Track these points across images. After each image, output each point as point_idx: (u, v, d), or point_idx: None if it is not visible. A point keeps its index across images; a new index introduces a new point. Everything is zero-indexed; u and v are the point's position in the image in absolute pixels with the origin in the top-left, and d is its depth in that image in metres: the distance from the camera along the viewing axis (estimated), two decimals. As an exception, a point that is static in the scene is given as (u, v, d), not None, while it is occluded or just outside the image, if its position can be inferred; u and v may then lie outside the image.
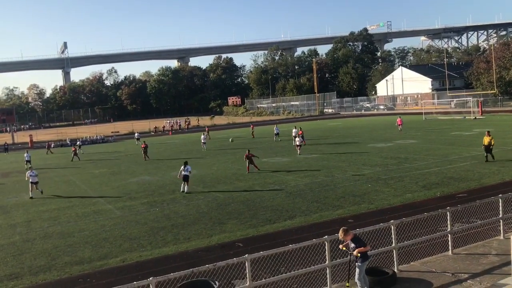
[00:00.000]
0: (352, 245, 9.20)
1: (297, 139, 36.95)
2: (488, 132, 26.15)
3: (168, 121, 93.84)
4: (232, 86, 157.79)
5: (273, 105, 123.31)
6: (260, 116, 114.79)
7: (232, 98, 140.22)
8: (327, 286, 9.93)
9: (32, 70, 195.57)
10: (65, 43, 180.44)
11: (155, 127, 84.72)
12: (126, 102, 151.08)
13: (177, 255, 13.80)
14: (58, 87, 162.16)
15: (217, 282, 7.74)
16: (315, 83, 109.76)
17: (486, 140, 25.48)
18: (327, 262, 9.80)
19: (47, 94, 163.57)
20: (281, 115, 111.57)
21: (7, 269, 13.64)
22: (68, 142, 66.89)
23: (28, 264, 13.91)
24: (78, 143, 55.04)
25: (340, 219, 16.35)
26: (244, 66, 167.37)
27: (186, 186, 23.12)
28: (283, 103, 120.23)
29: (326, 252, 9.79)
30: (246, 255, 8.75)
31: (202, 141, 44.65)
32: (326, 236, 9.78)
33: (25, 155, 39.18)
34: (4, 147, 60.86)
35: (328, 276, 9.86)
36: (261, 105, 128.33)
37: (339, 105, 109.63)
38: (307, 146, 40.46)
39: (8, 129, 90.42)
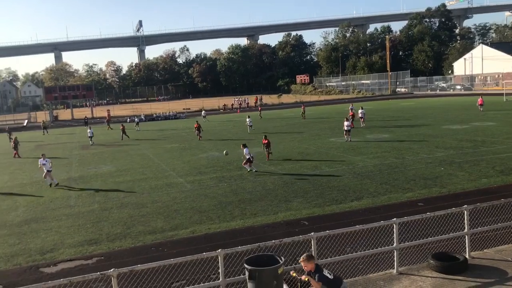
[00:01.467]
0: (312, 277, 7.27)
1: (345, 123, 32.10)
2: None
3: (237, 99, 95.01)
4: (301, 64, 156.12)
5: (343, 83, 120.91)
6: (329, 95, 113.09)
7: (301, 76, 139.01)
8: (393, 268, 9.79)
9: (109, 48, 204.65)
10: (140, 22, 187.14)
11: (224, 105, 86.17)
12: (197, 80, 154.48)
13: (243, 230, 14.15)
14: (133, 64, 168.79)
15: (282, 258, 7.86)
16: (388, 61, 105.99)
17: None
18: (395, 244, 9.64)
19: (123, 71, 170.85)
20: (350, 94, 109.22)
21: (87, 235, 14.66)
22: (143, 117, 69.76)
23: (106, 231, 14.86)
24: (136, 120, 56.91)
25: (409, 202, 15.94)
26: (313, 43, 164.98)
27: (250, 166, 22.98)
28: (353, 82, 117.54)
29: (395, 234, 9.62)
30: (312, 233, 8.81)
31: (248, 124, 42.64)
32: (394, 219, 9.59)
33: (88, 131, 41.24)
34: (85, 121, 64.76)
35: (395, 258, 9.71)
36: (330, 84, 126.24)
37: (412, 85, 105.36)
38: (376, 127, 39.46)
39: (88, 103, 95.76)
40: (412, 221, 10.32)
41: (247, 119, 42.95)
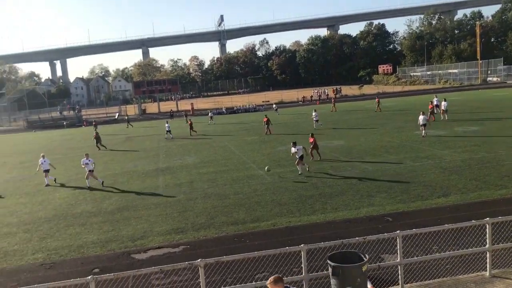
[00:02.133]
0: None
1: (420, 117, 29.74)
2: None
3: (316, 91, 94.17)
4: (383, 53, 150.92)
5: (428, 73, 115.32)
6: (414, 85, 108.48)
7: (383, 66, 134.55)
8: (486, 271, 9.25)
9: (192, 43, 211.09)
10: (221, 16, 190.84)
11: (303, 97, 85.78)
12: (276, 72, 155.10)
13: (324, 224, 14.07)
14: (215, 59, 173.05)
15: (367, 255, 7.73)
16: (478, 49, 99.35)
17: None
18: (487, 245, 9.10)
19: (206, 65, 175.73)
20: (436, 84, 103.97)
21: (174, 223, 15.36)
22: (224, 110, 71.43)
23: (191, 221, 15.48)
24: (210, 114, 57.49)
25: (502, 200, 14.94)
26: (397, 32, 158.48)
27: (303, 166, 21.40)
28: (439, 71, 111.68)
29: (487, 234, 9.08)
30: (398, 231, 8.56)
31: (314, 118, 40.33)
32: (487, 218, 9.05)
33: (166, 125, 42.56)
34: (170, 114, 67.71)
35: (488, 260, 9.17)
36: (414, 73, 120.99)
37: (506, 73, 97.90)
38: (464, 119, 37.28)
39: (173, 97, 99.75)
40: (507, 221, 9.66)
41: (313, 113, 40.95)
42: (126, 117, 63.92)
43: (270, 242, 12.38)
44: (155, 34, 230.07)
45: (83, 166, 22.95)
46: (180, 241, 13.61)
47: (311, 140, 24.66)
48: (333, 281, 7.62)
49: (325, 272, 8.18)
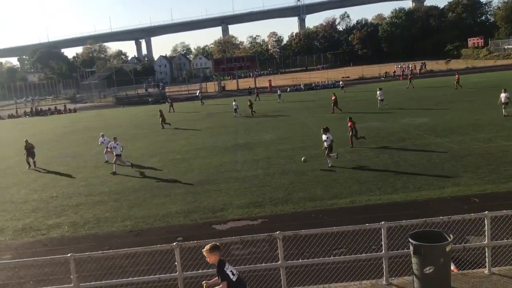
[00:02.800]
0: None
1: (503, 94, 27.70)
2: None
3: (399, 66, 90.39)
4: (474, 25, 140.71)
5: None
6: (508, 59, 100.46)
7: (473, 39, 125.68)
8: None
9: (271, 19, 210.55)
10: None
11: (386, 72, 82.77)
12: (357, 47, 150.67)
13: (406, 203, 13.68)
14: (293, 34, 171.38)
15: (451, 235, 7.43)
16: None
17: None
18: None
19: (284, 41, 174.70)
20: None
21: (253, 197, 15.70)
22: (302, 87, 70.93)
23: (269, 196, 15.72)
24: (278, 92, 56.14)
25: None
26: (490, 2, 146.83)
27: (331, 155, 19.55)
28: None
29: None
30: (486, 212, 8.11)
31: (379, 98, 37.22)
32: None
33: (233, 103, 42.47)
34: (248, 91, 68.43)
35: None
36: (509, 46, 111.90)
37: None
38: None
39: (251, 74, 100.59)
40: None
41: (378, 92, 37.69)
42: (200, 95, 65.39)
43: (348, 220, 12.27)
44: (234, 11, 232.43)
45: (109, 149, 22.47)
46: (258, 215, 13.92)
47: (350, 124, 22.92)
48: (414, 260, 7.42)
49: (406, 250, 7.98)
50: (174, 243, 7.95)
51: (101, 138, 26.03)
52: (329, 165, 19.02)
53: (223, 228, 13.06)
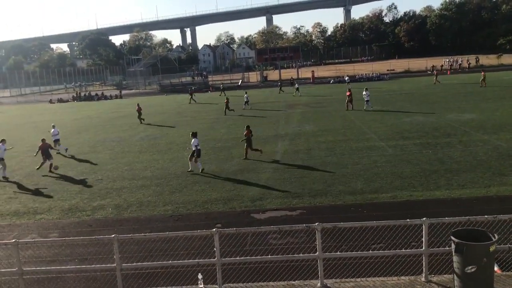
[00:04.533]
0: None
1: None
2: None
3: (447, 59, 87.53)
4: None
5: None
6: None
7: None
8: None
9: (316, 10, 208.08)
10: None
11: (433, 66, 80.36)
12: (403, 39, 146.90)
13: (449, 201, 13.35)
14: (338, 25, 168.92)
15: (496, 235, 7.21)
16: None
17: None
18: None
19: (329, 32, 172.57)
20: None
21: (292, 188, 15.71)
22: (346, 78, 69.98)
23: (308, 187, 15.69)
24: (296, 85, 54.73)
25: None
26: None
27: None
28: None
29: None
30: (535, 213, 7.82)
31: (365, 98, 34.43)
32: None
33: (245, 95, 42.39)
34: (291, 82, 68.06)
35: None
36: None
37: None
38: None
39: (294, 65, 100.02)
40: None
41: (364, 93, 35.00)
42: (221, 86, 64.99)
43: (388, 215, 12.09)
44: (279, 1, 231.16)
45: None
46: (297, 206, 13.93)
47: (246, 133, 21.06)
48: (455, 258, 7.25)
49: (448, 248, 7.82)
50: (214, 229, 8.10)
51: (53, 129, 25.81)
52: (189, 169, 18.85)
53: (262, 217, 13.16)
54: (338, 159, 19.41)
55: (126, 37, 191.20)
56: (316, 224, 7.92)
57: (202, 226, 12.50)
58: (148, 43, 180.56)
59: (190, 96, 52.39)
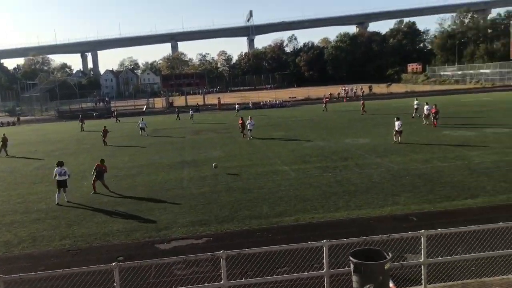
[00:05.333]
0: None
1: (396, 123, 27.65)
2: None
3: (344, 88, 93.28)
4: (413, 52, 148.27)
5: (459, 73, 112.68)
6: (443, 85, 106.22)
7: (412, 65, 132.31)
8: (512, 274, 9.04)
9: (221, 38, 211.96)
10: (250, 12, 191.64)
11: (330, 94, 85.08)
12: (303, 69, 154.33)
13: (348, 221, 13.98)
14: (243, 54, 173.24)
15: (390, 254, 7.66)
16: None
17: None
18: (515, 248, 8.89)
19: (234, 60, 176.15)
20: (467, 84, 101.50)
21: (198, 215, 15.51)
22: (250, 105, 71.55)
23: (215, 213, 15.59)
24: (191, 112, 55.40)
25: (533, 204, 14.57)
26: (427, 30, 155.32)
27: None
28: (470, 71, 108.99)
29: (515, 238, 8.87)
30: (422, 231, 8.43)
31: (249, 127, 34.28)
32: (516, 221, 8.83)
33: (140, 122, 42.13)
34: (196, 108, 68.12)
35: (515, 264, 8.96)
36: (444, 73, 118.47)
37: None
38: (496, 119, 36.35)
39: (200, 91, 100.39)
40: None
41: (248, 121, 34.61)
42: (115, 112, 64.48)
43: (292, 237, 12.38)
44: (184, 28, 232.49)
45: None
46: (203, 233, 13.75)
47: (97, 166, 19.91)
48: (354, 278, 7.57)
49: (347, 268, 8.13)
50: (113, 263, 7.68)
51: None
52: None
53: (166, 247, 12.78)
54: (244, 184, 19.59)
55: (21, 60, 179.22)
56: (220, 252, 7.84)
57: (102, 260, 11.81)
58: (46, 68, 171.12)
59: (80, 124, 50.34)
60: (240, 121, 36.53)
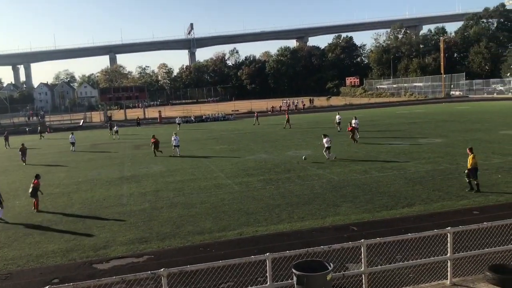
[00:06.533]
0: None
1: (324, 139, 27.10)
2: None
3: (285, 101, 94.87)
4: (351, 66, 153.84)
5: (394, 86, 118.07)
6: (380, 97, 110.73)
7: (350, 79, 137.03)
8: (447, 279, 9.41)
9: (161, 50, 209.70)
10: (191, 25, 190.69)
11: (272, 107, 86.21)
12: (246, 82, 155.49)
13: (291, 233, 14.07)
14: (184, 67, 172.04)
15: (331, 264, 7.74)
16: (442, 63, 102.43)
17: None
18: (448, 254, 9.26)
19: (175, 73, 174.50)
20: (402, 97, 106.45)
21: (138, 233, 15.04)
22: (193, 118, 71.01)
23: (156, 230, 15.19)
24: (115, 128, 51.35)
25: (464, 210, 15.36)
26: (364, 45, 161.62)
27: None
28: (405, 84, 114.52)
29: (449, 244, 9.25)
30: (362, 240, 8.61)
31: (174, 143, 32.97)
32: (449, 228, 9.23)
33: (70, 136, 40.84)
34: (137, 122, 66.72)
35: (449, 269, 9.33)
36: (381, 86, 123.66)
37: (467, 88, 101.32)
38: (429, 130, 38.26)
39: (140, 105, 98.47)
40: (468, 230, 9.88)
41: (173, 137, 33.56)
42: (34, 128, 60.57)
43: (236, 252, 12.27)
44: (123, 40, 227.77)
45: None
46: (144, 251, 13.33)
47: (35, 182, 19.15)
48: (298, 290, 7.58)
49: (290, 281, 8.13)
50: (47, 287, 7.23)
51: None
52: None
53: (105, 267, 12.26)
54: (186, 199, 19.28)
55: None
56: (161, 270, 7.60)
57: (36, 283, 11.16)
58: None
59: (5, 141, 46.68)
60: (153, 140, 34.02)
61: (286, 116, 51.89)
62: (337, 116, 43.80)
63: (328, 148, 27.07)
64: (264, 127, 53.06)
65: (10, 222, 17.29)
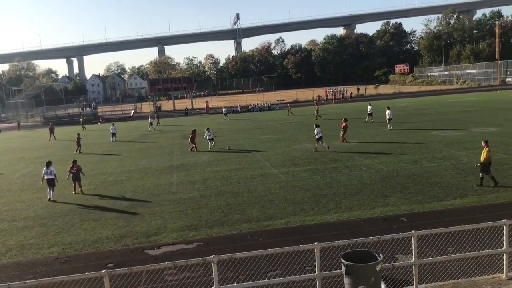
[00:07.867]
0: None
1: (316, 130, 27.04)
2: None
3: (331, 90, 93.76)
4: (400, 53, 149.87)
5: (446, 73, 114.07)
6: (431, 85, 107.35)
7: (400, 66, 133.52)
8: (502, 273, 9.10)
9: (208, 41, 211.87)
10: (237, 15, 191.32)
11: (318, 96, 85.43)
12: (291, 71, 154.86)
13: (338, 223, 14.00)
14: (230, 57, 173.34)
15: (381, 255, 7.66)
16: (497, 49, 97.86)
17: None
18: (504, 247, 8.95)
19: (221, 64, 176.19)
20: (454, 85, 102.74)
21: (188, 220, 15.42)
22: (239, 108, 71.55)
23: (205, 218, 15.51)
24: (150, 120, 52.49)
25: (521, 202, 14.72)
26: (414, 31, 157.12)
27: None
28: (457, 71, 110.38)
29: (504, 236, 8.93)
30: (413, 231, 8.47)
31: (208, 138, 32.11)
32: (505, 220, 8.90)
33: (111, 127, 41.56)
34: (185, 112, 68.01)
35: (504, 262, 9.02)
36: (431, 73, 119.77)
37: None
38: (483, 118, 36.75)
39: (188, 95, 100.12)
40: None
41: (206, 132, 32.44)
42: (81, 120, 61.79)
43: (283, 241, 12.35)
44: (171, 32, 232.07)
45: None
46: (194, 238, 13.66)
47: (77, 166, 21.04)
48: (346, 280, 7.57)
49: (339, 271, 8.13)
50: (103, 270, 7.59)
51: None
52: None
53: (157, 253, 12.67)
54: (234, 187, 19.54)
55: (5, 66, 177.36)
56: (212, 256, 7.79)
57: (92, 267, 11.67)
58: (31, 73, 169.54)
59: (50, 133, 47.24)
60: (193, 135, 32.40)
61: (316, 106, 51.38)
62: (369, 107, 42.75)
63: (320, 138, 27.00)
64: (310, 116, 52.66)
65: (65, 209, 18.13)
